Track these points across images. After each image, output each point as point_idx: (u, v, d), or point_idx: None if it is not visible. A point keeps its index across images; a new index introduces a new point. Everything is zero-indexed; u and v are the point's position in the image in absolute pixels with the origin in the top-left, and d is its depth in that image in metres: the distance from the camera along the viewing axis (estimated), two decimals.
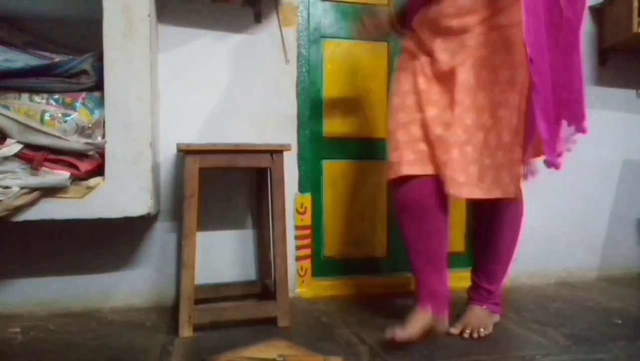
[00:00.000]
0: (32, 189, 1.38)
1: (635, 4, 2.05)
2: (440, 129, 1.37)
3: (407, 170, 1.40)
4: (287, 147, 1.65)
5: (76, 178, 1.45)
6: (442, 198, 1.40)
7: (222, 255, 1.96)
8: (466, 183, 1.33)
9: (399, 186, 1.45)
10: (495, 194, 1.32)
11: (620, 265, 2.45)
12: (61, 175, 1.41)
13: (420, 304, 1.43)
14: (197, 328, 1.53)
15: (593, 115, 2.40)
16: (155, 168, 1.64)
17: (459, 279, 1.78)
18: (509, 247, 1.56)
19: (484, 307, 1.57)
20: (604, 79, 2.41)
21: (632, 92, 2.46)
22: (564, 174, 2.33)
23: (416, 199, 1.42)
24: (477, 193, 1.33)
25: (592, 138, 2.39)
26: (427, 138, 1.40)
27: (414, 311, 1.42)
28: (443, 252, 1.45)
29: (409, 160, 1.40)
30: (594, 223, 2.42)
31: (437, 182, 1.38)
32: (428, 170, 1.40)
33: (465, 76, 1.34)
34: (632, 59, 2.40)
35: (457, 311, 1.58)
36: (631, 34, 2.09)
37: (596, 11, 2.34)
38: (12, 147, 1.39)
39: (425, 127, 1.40)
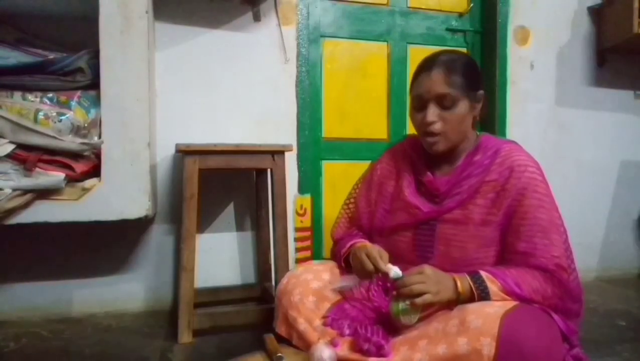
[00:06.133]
0: (25, 191, 1.33)
1: (636, 5, 2.04)
2: None
3: None
4: (289, 148, 1.62)
5: (71, 180, 1.40)
6: None
7: (220, 257, 1.91)
8: None
9: None
10: None
11: (618, 266, 2.45)
12: (56, 176, 1.36)
13: None
14: (196, 333, 1.49)
15: (591, 116, 2.43)
16: (153, 169, 1.60)
17: None
18: None
19: None
20: (602, 80, 2.41)
21: (630, 93, 2.46)
22: (562, 175, 2.36)
23: None
24: None
25: (590, 139, 2.43)
26: None
27: None
28: None
29: None
30: (592, 224, 2.42)
31: None
32: None
33: None
34: (631, 60, 2.41)
35: None
36: (631, 34, 2.08)
37: (595, 12, 2.34)
38: (4, 147, 1.33)
39: None
